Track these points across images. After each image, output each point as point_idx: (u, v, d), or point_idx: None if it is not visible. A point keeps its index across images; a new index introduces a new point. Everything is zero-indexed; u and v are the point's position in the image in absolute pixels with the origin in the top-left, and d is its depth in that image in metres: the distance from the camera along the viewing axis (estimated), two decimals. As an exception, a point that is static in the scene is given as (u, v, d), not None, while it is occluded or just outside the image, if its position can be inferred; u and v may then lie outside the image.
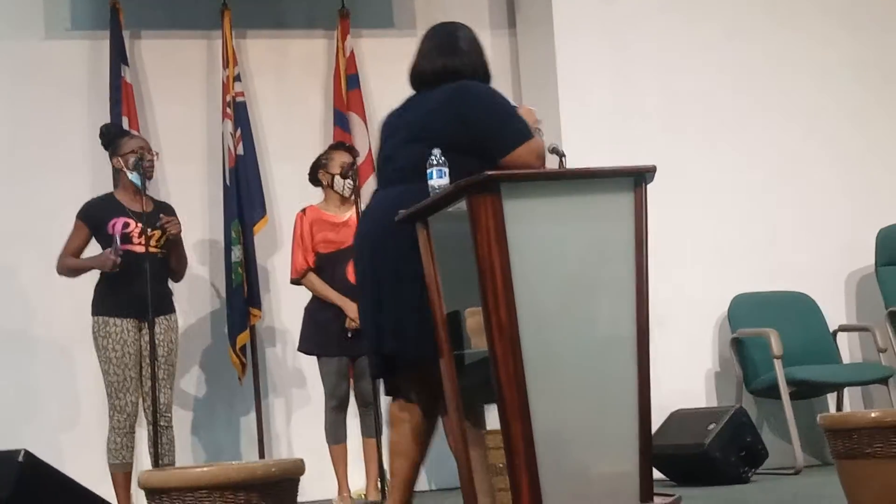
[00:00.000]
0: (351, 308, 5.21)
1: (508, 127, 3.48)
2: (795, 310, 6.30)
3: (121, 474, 5.05)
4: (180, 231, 5.16)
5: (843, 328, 6.42)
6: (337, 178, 5.48)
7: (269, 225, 6.13)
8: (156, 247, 5.10)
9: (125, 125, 5.86)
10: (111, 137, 5.25)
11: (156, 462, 5.00)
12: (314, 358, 5.51)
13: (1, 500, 3.46)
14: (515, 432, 3.06)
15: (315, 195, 5.62)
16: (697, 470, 5.50)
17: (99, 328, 5.06)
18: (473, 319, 3.35)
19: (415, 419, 3.60)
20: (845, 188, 6.58)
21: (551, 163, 3.67)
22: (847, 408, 6.27)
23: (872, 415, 3.55)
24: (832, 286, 6.52)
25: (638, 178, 3.25)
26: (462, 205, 3.16)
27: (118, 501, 5.04)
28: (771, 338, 5.77)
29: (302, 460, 3.01)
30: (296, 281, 5.52)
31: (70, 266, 5.17)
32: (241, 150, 6.04)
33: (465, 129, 3.45)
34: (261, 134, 6.32)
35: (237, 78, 6.13)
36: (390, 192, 3.56)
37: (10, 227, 5.92)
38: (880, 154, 6.68)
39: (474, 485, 3.43)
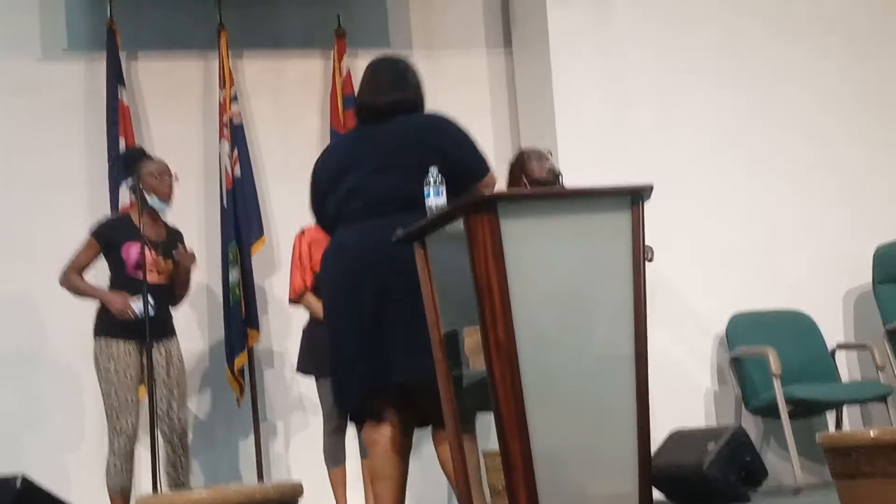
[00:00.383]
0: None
1: (477, 160, 3.69)
2: (794, 328, 6.29)
3: (119, 498, 5.02)
4: (195, 263, 5.25)
5: (841, 346, 6.41)
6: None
7: (266, 245, 6.13)
8: (163, 275, 5.13)
9: (122, 146, 5.86)
10: (132, 160, 5.26)
11: (175, 483, 5.04)
12: (313, 379, 5.50)
13: None
14: (514, 450, 3.04)
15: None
16: (697, 490, 5.48)
17: (101, 350, 5.05)
18: (472, 339, 3.35)
19: (391, 436, 3.62)
20: (843, 205, 6.59)
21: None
22: (846, 426, 6.26)
23: (872, 433, 3.54)
24: (830, 304, 6.52)
25: (635, 197, 3.24)
26: (459, 224, 3.16)
27: (117, 526, 5.03)
28: (769, 356, 5.76)
29: (301, 483, 3.00)
30: (294, 301, 5.51)
31: (79, 288, 5.16)
32: (238, 171, 6.03)
33: (440, 161, 3.53)
34: (258, 154, 6.32)
35: (234, 98, 6.13)
36: (374, 223, 3.54)
37: (4, 240, 5.91)
38: (878, 171, 6.69)
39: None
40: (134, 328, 4.99)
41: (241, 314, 5.88)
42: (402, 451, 3.65)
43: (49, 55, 6.14)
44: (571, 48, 6.32)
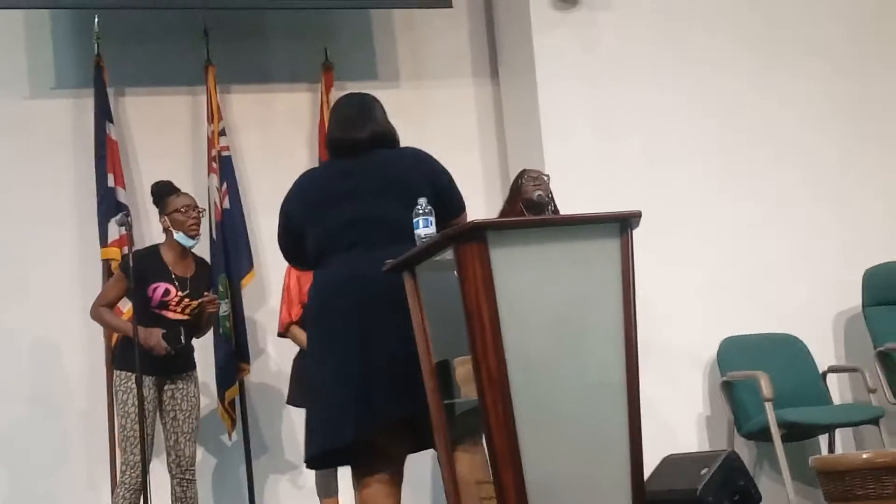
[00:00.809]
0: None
1: (459, 196, 3.80)
2: (785, 352, 6.29)
3: None
4: (217, 310, 5.34)
5: (832, 369, 6.41)
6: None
7: (256, 278, 6.12)
8: (188, 314, 5.16)
9: (111, 182, 5.86)
10: (160, 196, 5.28)
11: None
12: (303, 411, 5.48)
13: None
14: (507, 481, 3.04)
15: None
16: (691, 515, 5.47)
17: (121, 382, 5.08)
18: (463, 368, 3.35)
19: (383, 479, 3.63)
20: (832, 229, 6.60)
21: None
22: (839, 449, 6.25)
23: (864, 456, 3.56)
24: (821, 327, 6.52)
25: (624, 224, 3.26)
26: (449, 253, 3.17)
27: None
28: (761, 381, 5.75)
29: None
30: (282, 335, 5.51)
31: (109, 322, 5.21)
32: (227, 204, 6.03)
33: (430, 191, 3.62)
34: (247, 187, 6.32)
35: (222, 132, 6.14)
36: (385, 253, 3.51)
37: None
38: (866, 194, 6.72)
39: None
40: (155, 363, 5.01)
41: (231, 347, 5.87)
42: (394, 483, 3.65)
43: (37, 93, 6.15)
44: (558, 77, 6.35)
